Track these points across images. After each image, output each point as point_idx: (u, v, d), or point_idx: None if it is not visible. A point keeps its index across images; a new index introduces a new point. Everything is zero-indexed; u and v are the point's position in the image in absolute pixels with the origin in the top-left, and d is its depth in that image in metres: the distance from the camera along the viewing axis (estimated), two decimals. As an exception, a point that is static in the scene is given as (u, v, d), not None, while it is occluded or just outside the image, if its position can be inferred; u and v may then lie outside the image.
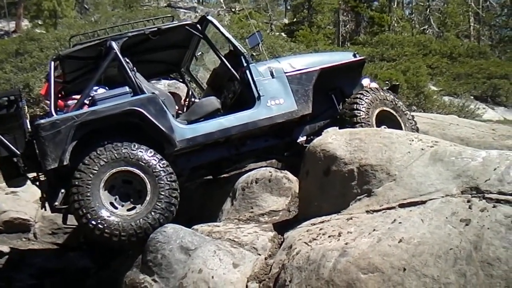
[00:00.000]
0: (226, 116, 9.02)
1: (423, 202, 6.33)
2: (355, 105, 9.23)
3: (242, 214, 8.88)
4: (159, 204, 8.01)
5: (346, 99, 9.65)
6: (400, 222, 6.16)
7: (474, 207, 5.88)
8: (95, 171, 7.97)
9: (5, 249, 11.43)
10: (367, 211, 6.75)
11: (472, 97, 31.60)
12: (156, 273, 7.33)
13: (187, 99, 10.99)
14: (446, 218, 5.92)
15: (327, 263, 6.10)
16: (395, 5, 49.18)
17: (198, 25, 9.71)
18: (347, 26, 47.60)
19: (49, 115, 8.68)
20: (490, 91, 33.96)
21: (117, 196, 8.14)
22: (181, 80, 11.32)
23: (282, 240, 7.46)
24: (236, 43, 9.56)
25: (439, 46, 39.31)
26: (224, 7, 46.16)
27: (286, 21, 56.80)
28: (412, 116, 9.83)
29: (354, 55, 10.29)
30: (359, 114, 9.13)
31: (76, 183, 7.91)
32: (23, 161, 8.61)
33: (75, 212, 7.93)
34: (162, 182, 8.10)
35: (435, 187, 6.44)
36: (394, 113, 9.46)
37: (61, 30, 29.23)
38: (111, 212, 7.92)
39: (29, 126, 8.69)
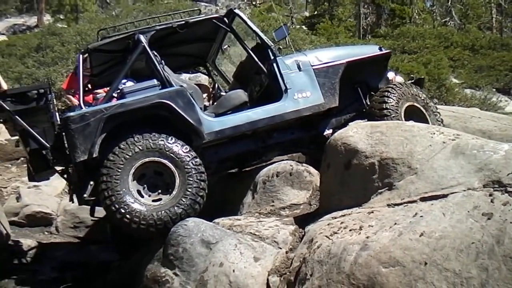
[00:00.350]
0: (254, 109, 9.06)
1: (445, 196, 6.29)
2: (385, 98, 9.26)
3: (263, 207, 8.88)
4: (184, 200, 8.04)
5: (373, 93, 9.71)
6: (421, 216, 6.14)
7: (496, 200, 5.84)
8: (128, 157, 8.04)
9: (28, 242, 11.50)
10: (388, 205, 6.73)
11: (494, 90, 31.35)
12: (177, 267, 7.35)
13: (213, 92, 11.01)
14: (468, 212, 5.88)
15: (348, 257, 6.09)
16: (416, -3, 48.90)
17: (225, 19, 9.75)
18: (368, 19, 47.34)
19: (76, 108, 8.76)
20: (512, 83, 33.76)
21: (145, 186, 8.20)
22: (206, 73, 11.31)
23: (303, 233, 7.46)
24: (263, 36, 9.57)
25: (460, 38, 39.04)
26: (245, 0, 46.05)
27: (307, 14, 56.70)
28: (439, 112, 9.79)
29: (380, 49, 10.28)
30: (389, 107, 9.16)
31: (108, 165, 7.99)
32: (52, 154, 8.71)
33: (101, 193, 7.99)
34: (191, 179, 8.14)
35: (457, 180, 6.40)
36: (421, 108, 9.44)
37: (82, 25, 29.31)
38: (136, 199, 7.97)
39: (58, 119, 8.82)
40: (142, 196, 8.08)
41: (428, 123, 9.22)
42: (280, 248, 7.31)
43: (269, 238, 7.48)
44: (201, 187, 8.20)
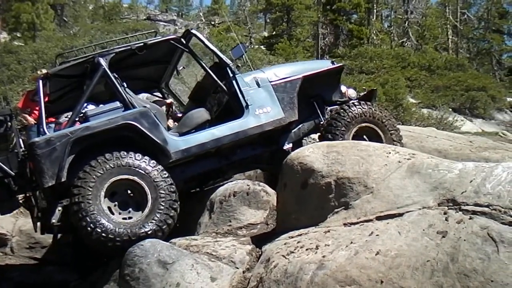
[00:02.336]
0: (218, 126, 9.11)
1: (400, 215, 6.36)
2: (334, 121, 9.43)
3: (220, 227, 8.86)
4: (158, 215, 8.09)
5: (328, 107, 9.88)
6: (377, 235, 6.18)
7: (451, 219, 5.92)
8: (100, 175, 8.03)
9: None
10: (345, 224, 6.75)
11: (450, 109, 31.84)
12: (134, 287, 7.27)
13: (171, 114, 10.98)
14: (423, 230, 5.95)
15: (305, 276, 6.09)
16: (374, 18, 49.50)
17: (182, 39, 9.80)
18: (326, 39, 47.75)
19: (32, 127, 8.68)
20: (468, 103, 34.31)
21: (116, 203, 8.19)
22: (160, 96, 11.28)
23: (260, 253, 7.43)
24: (221, 55, 9.68)
25: (417, 59, 39.64)
26: (204, 20, 46.20)
27: (265, 34, 57.07)
28: (397, 129, 9.87)
29: (332, 63, 10.58)
30: (336, 132, 9.30)
31: (79, 183, 7.96)
32: (15, 182, 8.62)
33: (74, 215, 7.95)
34: (163, 197, 8.18)
35: (412, 199, 6.46)
36: (375, 128, 9.53)
37: (39, 43, 29.10)
38: (109, 218, 7.96)
39: (22, 145, 8.74)
40: (113, 214, 8.07)
41: (382, 142, 9.29)
42: (237, 268, 7.27)
43: (226, 258, 7.43)
44: (173, 199, 8.26)
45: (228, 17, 64.15)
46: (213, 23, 59.29)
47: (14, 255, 12.19)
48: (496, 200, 5.87)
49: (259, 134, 9.29)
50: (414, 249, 5.79)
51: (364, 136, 9.42)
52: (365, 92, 10.85)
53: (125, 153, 8.25)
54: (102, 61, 9.02)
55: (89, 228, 7.83)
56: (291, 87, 9.53)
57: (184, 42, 9.82)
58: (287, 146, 9.61)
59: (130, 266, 7.39)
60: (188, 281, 6.99)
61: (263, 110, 9.24)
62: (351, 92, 10.37)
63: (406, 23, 50.33)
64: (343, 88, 10.35)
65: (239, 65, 10.06)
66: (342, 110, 9.49)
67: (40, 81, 9.12)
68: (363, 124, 9.48)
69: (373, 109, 9.64)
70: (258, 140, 9.56)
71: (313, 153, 7.60)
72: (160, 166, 8.36)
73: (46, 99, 9.37)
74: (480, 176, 6.24)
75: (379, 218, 6.50)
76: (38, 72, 13.10)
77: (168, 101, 10.96)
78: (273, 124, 9.28)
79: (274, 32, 52.83)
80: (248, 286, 6.84)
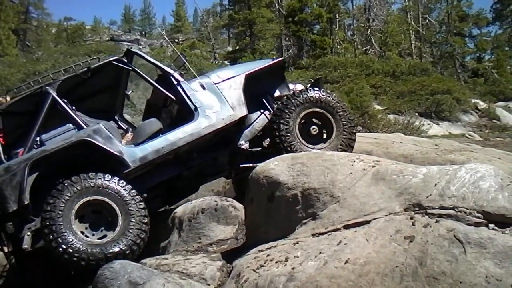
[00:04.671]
0: (171, 131, 9.18)
1: (368, 222, 6.38)
2: (279, 110, 9.50)
3: (190, 245, 8.84)
4: (131, 231, 8.13)
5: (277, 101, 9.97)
6: (345, 244, 6.19)
7: (417, 223, 5.96)
8: (68, 197, 8.07)
9: None
10: (313, 235, 6.76)
11: (416, 114, 32.08)
12: (106, 310, 7.22)
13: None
14: (391, 236, 5.97)
15: (275, 289, 6.09)
16: (337, 28, 49.88)
17: (124, 59, 9.93)
18: (290, 51, 47.97)
19: None
20: (433, 106, 34.57)
21: (87, 225, 8.21)
22: (117, 126, 11.27)
23: (230, 268, 7.41)
24: (164, 66, 9.91)
25: (381, 66, 39.96)
26: (167, 38, 46.20)
27: (229, 48, 57.19)
28: (348, 110, 9.93)
29: (272, 59, 10.75)
30: (281, 119, 9.38)
31: (49, 208, 7.98)
32: None
33: (45, 237, 7.98)
34: (132, 209, 8.24)
35: (379, 206, 6.48)
36: (325, 112, 9.59)
37: (1, 69, 28.92)
38: (81, 238, 7.98)
39: None
40: (87, 236, 8.08)
41: (333, 128, 9.49)
42: (209, 285, 7.24)
43: (197, 275, 7.40)
44: (143, 214, 8.31)
45: (191, 33, 64.31)
46: (176, 40, 59.30)
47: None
48: (461, 202, 5.94)
49: (213, 133, 9.34)
50: (382, 255, 5.81)
51: (315, 120, 9.55)
52: (311, 82, 10.98)
53: (93, 174, 8.28)
54: (50, 89, 9.16)
55: (61, 249, 7.83)
56: (235, 85, 9.68)
57: (126, 61, 9.93)
58: (244, 144, 9.74)
59: (101, 289, 7.34)
60: (159, 301, 6.95)
61: (212, 110, 9.35)
62: (299, 87, 10.53)
63: (369, 31, 50.80)
64: (291, 85, 10.52)
65: (182, 73, 10.12)
66: (286, 99, 9.57)
67: None
68: (310, 110, 9.52)
69: (319, 93, 9.68)
70: (214, 142, 9.64)
71: (278, 165, 7.61)
72: (128, 186, 8.40)
73: (2, 139, 9.39)
74: (444, 179, 6.30)
75: (346, 227, 6.51)
76: (1, 98, 13.01)
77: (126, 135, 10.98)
78: (224, 122, 9.38)
79: (237, 47, 53.09)
80: (220, 302, 6.84)
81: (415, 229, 5.91)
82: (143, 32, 77.91)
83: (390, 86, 36.45)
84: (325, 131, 9.56)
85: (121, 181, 8.40)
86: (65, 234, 7.88)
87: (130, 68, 10.03)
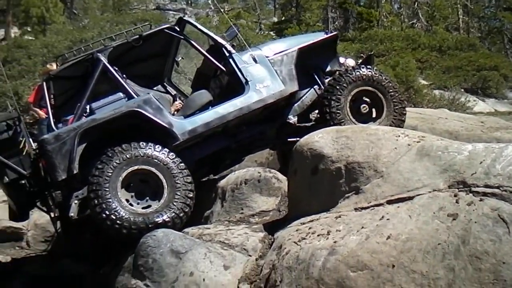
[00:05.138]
0: (221, 104, 9.21)
1: (411, 198, 6.35)
2: (330, 86, 9.52)
3: (232, 215, 8.91)
4: (175, 204, 8.20)
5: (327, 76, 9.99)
6: (388, 219, 6.18)
7: (461, 201, 5.90)
8: (117, 164, 8.18)
9: (-1, 257, 11.43)
10: (356, 209, 6.76)
11: (462, 90, 31.62)
12: (148, 278, 7.31)
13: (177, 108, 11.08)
14: (434, 213, 5.94)
15: (317, 262, 6.12)
16: (384, 0, 49.21)
17: (176, 27, 9.97)
18: (336, 23, 47.51)
19: (44, 120, 8.80)
20: (480, 83, 34.05)
21: (133, 194, 8.34)
22: (164, 91, 11.34)
23: (272, 240, 7.46)
24: (216, 37, 9.89)
25: (428, 40, 39.36)
26: (213, 8, 46.13)
27: (275, 19, 56.84)
28: (399, 91, 9.87)
29: (326, 33, 10.64)
30: (332, 96, 9.41)
31: (97, 173, 8.11)
32: (30, 182, 8.82)
33: (90, 202, 8.11)
34: (179, 182, 8.31)
35: (422, 182, 6.45)
36: (377, 92, 9.55)
37: (49, 37, 29.14)
38: (125, 206, 8.09)
39: (33, 144, 8.91)
40: (131, 205, 8.19)
41: (383, 107, 9.48)
42: (250, 256, 7.30)
43: (239, 246, 7.47)
44: (189, 189, 8.36)
45: (237, 3, 64.08)
46: (222, 10, 59.16)
47: (30, 248, 12.33)
48: (506, 181, 5.83)
49: (262, 108, 9.36)
50: (425, 232, 5.78)
51: (365, 98, 9.54)
52: (363, 59, 10.89)
53: (144, 143, 8.38)
54: (101, 56, 9.20)
55: (104, 215, 7.95)
56: (288, 60, 9.65)
57: (178, 30, 9.96)
58: (293, 119, 9.73)
59: (144, 256, 7.43)
60: (201, 270, 7.03)
61: (263, 84, 9.34)
62: (350, 62, 10.51)
63: (416, 4, 50.03)
64: (342, 59, 10.47)
65: (234, 44, 10.10)
66: (338, 75, 9.56)
67: (44, 84, 9.41)
68: (362, 88, 9.51)
69: (371, 72, 9.64)
70: (262, 116, 9.64)
71: (322, 138, 7.61)
72: (178, 158, 8.46)
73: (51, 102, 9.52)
74: (490, 157, 6.20)
75: (389, 202, 6.49)
76: (48, 66, 13.19)
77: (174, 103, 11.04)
78: (274, 97, 9.37)
79: (283, 18, 52.73)
80: (261, 273, 6.88)
81: (458, 207, 5.86)
82: (189, 2, 77.74)
83: (436, 61, 35.94)
84: (375, 110, 9.49)
85: (171, 153, 8.45)
86: (110, 200, 7.99)
87: (182, 37, 10.06)
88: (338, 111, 9.22)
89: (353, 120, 9.29)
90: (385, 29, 43.90)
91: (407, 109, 10.16)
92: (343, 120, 9.21)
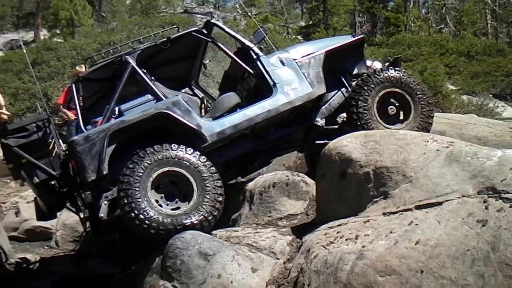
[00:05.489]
0: (249, 107, 9.24)
1: (440, 203, 6.34)
2: (358, 87, 9.46)
3: (260, 218, 8.93)
4: (204, 207, 8.20)
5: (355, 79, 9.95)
6: (416, 224, 6.18)
7: (491, 207, 5.89)
8: (148, 165, 8.22)
9: (28, 257, 11.52)
10: (384, 213, 6.76)
11: (491, 95, 31.38)
12: (176, 279, 7.35)
13: (204, 109, 11.13)
14: (463, 219, 5.93)
15: (345, 266, 6.12)
16: (411, 5, 49.03)
17: (204, 30, 10.06)
18: (363, 27, 47.40)
19: (73, 122, 8.90)
20: (509, 88, 33.73)
21: (163, 195, 8.35)
22: (192, 94, 11.41)
23: (300, 244, 7.47)
24: (244, 39, 9.99)
25: (456, 45, 39.10)
26: (240, 12, 46.22)
27: (302, 23, 56.85)
28: (427, 93, 9.81)
29: (353, 36, 10.68)
30: (359, 97, 9.34)
31: (127, 173, 8.16)
32: (60, 183, 8.98)
33: (120, 201, 8.16)
34: (209, 186, 8.32)
35: (451, 187, 6.44)
36: (403, 92, 9.51)
37: (78, 39, 29.35)
38: (154, 206, 8.12)
39: (62, 145, 9.05)
40: (161, 206, 8.22)
41: (411, 110, 9.41)
42: (278, 259, 7.32)
43: (267, 249, 7.49)
44: (219, 193, 8.37)
45: (264, 7, 64.18)
46: (250, 14, 59.28)
47: (59, 248, 12.44)
48: (536, 188, 5.84)
49: (290, 110, 9.37)
50: (454, 238, 5.77)
51: (392, 100, 9.48)
52: (390, 62, 10.87)
53: (176, 145, 8.42)
54: (130, 58, 9.31)
55: (133, 214, 7.98)
56: (315, 63, 9.67)
57: (206, 32, 10.04)
58: (320, 121, 9.73)
59: (172, 258, 7.47)
60: (229, 272, 7.05)
61: (291, 87, 9.36)
62: (377, 65, 10.49)
63: (444, 9, 49.82)
64: (369, 62, 10.46)
65: (262, 47, 10.13)
66: (366, 77, 9.52)
67: (73, 85, 9.50)
68: (390, 89, 9.45)
69: (400, 74, 9.60)
70: (290, 118, 9.66)
71: (351, 142, 7.63)
72: (208, 162, 8.48)
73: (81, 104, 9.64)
74: (520, 163, 6.20)
75: (418, 207, 6.49)
76: (77, 68, 13.32)
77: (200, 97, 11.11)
78: (302, 99, 9.38)
79: (310, 22, 52.66)
80: (289, 276, 6.89)
81: (488, 213, 5.85)
82: (217, 5, 77.93)
83: (465, 66, 35.69)
84: (402, 112, 9.48)
85: (202, 157, 8.47)
86: (140, 200, 8.02)
87: (210, 40, 10.12)
88: (365, 112, 9.19)
89: (380, 121, 9.24)
90: (412, 34, 43.73)
91: (435, 114, 10.11)
92: (369, 121, 9.18)
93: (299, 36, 44.83)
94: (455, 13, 51.03)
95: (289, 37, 41.23)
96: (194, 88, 11.33)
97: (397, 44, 37.23)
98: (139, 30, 26.58)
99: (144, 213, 7.98)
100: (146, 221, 7.96)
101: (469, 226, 5.80)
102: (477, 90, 30.98)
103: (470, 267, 5.50)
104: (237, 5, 47.88)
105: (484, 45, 41.43)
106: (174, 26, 11.06)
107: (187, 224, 8.01)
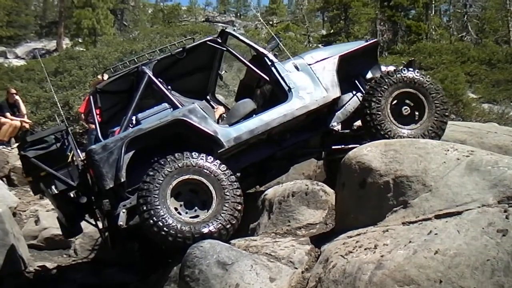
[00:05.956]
0: (265, 112, 9.26)
1: (459, 213, 6.30)
2: (371, 88, 9.42)
3: (279, 227, 8.90)
4: (222, 216, 8.20)
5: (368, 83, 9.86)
6: (436, 234, 6.13)
7: (511, 217, 5.83)
8: (168, 173, 8.23)
9: (47, 265, 11.57)
10: (403, 223, 6.72)
11: None
12: (194, 288, 7.34)
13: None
14: (483, 228, 5.88)
15: (363, 276, 6.08)
16: (432, 13, 48.96)
17: (219, 39, 10.10)
18: (385, 36, 47.30)
19: (92, 132, 9.01)
20: (530, 97, 33.54)
21: (182, 203, 8.37)
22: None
23: (319, 253, 7.43)
24: (258, 47, 9.99)
25: (477, 53, 39.01)
26: (262, 20, 46.45)
27: (323, 32, 56.92)
28: (442, 93, 9.74)
29: (366, 41, 10.65)
30: (372, 98, 9.31)
31: (148, 180, 8.19)
32: (78, 194, 9.06)
33: (139, 207, 8.18)
34: (228, 194, 8.32)
35: (471, 197, 6.40)
36: (418, 94, 9.45)
37: (99, 48, 29.57)
38: (173, 214, 8.13)
39: (80, 155, 9.13)
40: (180, 214, 8.23)
41: (425, 109, 9.35)
42: (296, 268, 7.27)
43: (285, 258, 7.45)
44: (238, 201, 8.37)
45: (286, 16, 64.35)
46: (271, 22, 59.33)
47: (77, 256, 12.46)
48: (557, 197, 5.79)
49: (306, 114, 9.37)
50: (473, 248, 5.73)
51: (407, 101, 9.43)
52: (404, 64, 10.83)
53: (196, 153, 8.43)
54: (146, 69, 9.37)
55: (151, 221, 7.99)
56: (329, 67, 9.65)
57: (221, 41, 10.08)
58: (336, 126, 9.74)
59: (190, 267, 7.43)
60: (247, 281, 7.00)
61: (306, 91, 9.37)
62: (391, 69, 10.40)
63: (465, 17, 49.73)
64: (383, 68, 10.42)
65: (277, 54, 10.15)
66: (379, 78, 9.49)
67: (91, 97, 9.64)
68: (403, 90, 9.39)
69: (413, 74, 9.53)
70: (306, 123, 9.66)
71: (371, 151, 7.59)
72: (228, 171, 8.49)
73: (99, 116, 9.69)
74: (540, 172, 6.15)
75: (437, 217, 6.45)
76: (99, 77, 13.42)
77: (217, 108, 11.14)
78: (317, 103, 9.38)
79: (332, 30, 52.76)
80: (307, 286, 6.84)
81: (508, 222, 5.81)
82: (238, 14, 78.28)
83: (486, 74, 35.59)
84: (417, 112, 9.44)
85: (222, 165, 8.48)
86: (159, 207, 8.04)
87: (225, 49, 10.16)
88: (379, 113, 9.15)
89: (394, 121, 9.19)
90: (434, 42, 43.69)
91: (455, 122, 10.06)
92: (383, 122, 9.14)
93: (320, 45, 44.79)
94: (476, 21, 50.93)
95: (310, 45, 41.26)
96: (210, 100, 11.37)
97: (418, 52, 37.15)
98: (160, 39, 26.74)
99: (163, 220, 7.98)
100: (165, 228, 7.96)
101: (489, 236, 5.76)
102: (498, 99, 30.85)
103: (489, 278, 5.46)
104: (258, 14, 47.89)
105: (506, 53, 41.26)
106: (189, 37, 11.10)
107: (205, 232, 8.00)
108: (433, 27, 47.06)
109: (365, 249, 6.54)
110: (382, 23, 47.82)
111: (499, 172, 6.47)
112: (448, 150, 7.19)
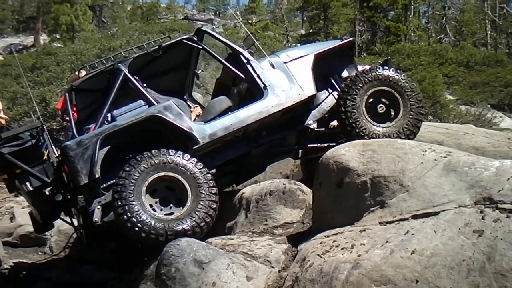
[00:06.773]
0: (240, 109, 9.30)
1: (436, 213, 6.33)
2: (347, 87, 9.45)
3: (256, 226, 8.90)
4: (197, 213, 8.18)
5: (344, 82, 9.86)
6: (413, 234, 6.16)
7: (487, 217, 5.88)
8: (144, 169, 8.25)
9: (22, 263, 11.48)
10: (380, 223, 6.74)
11: (489, 106, 31.41)
12: (170, 287, 7.29)
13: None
14: (459, 229, 5.91)
15: (340, 276, 6.09)
16: (411, 15, 49.11)
17: (195, 37, 10.10)
18: (363, 36, 47.40)
19: (69, 129, 8.98)
20: (507, 99, 33.78)
21: (157, 200, 8.37)
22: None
23: (295, 252, 7.44)
24: (234, 45, 10.02)
25: (455, 55, 39.16)
26: (238, 19, 46.38)
27: (302, 32, 56.90)
28: (417, 90, 9.78)
29: (341, 40, 10.64)
30: (348, 96, 9.34)
31: (123, 175, 8.19)
32: (53, 191, 8.99)
33: (114, 203, 8.17)
34: (203, 192, 8.32)
35: (448, 198, 6.42)
36: (392, 91, 9.49)
37: (78, 44, 29.42)
38: (147, 210, 8.13)
39: (55, 151, 9.06)
40: (155, 210, 8.22)
41: (400, 108, 9.39)
42: (273, 267, 7.28)
43: (262, 257, 7.44)
44: (213, 200, 8.36)
45: (265, 15, 64.37)
46: (250, 21, 59.28)
47: (53, 254, 12.36)
48: (533, 198, 5.82)
49: (281, 112, 9.39)
50: (450, 248, 5.76)
51: (383, 99, 9.46)
52: (380, 63, 10.87)
53: (173, 151, 8.43)
54: (122, 66, 9.36)
55: (125, 217, 8.00)
56: (305, 65, 9.69)
57: (197, 40, 10.09)
58: (312, 124, 9.77)
59: (166, 265, 7.42)
60: (224, 280, 6.99)
61: (281, 89, 9.41)
62: (367, 68, 10.45)
63: (444, 19, 50.00)
64: (360, 67, 10.43)
65: (253, 52, 10.15)
66: (355, 76, 9.53)
67: (67, 94, 9.68)
68: (378, 88, 9.42)
69: (388, 72, 9.57)
70: (282, 121, 9.66)
71: (348, 151, 7.60)
72: (205, 169, 8.50)
73: (75, 114, 9.64)
74: (517, 174, 6.18)
75: (414, 217, 6.47)
76: (77, 73, 13.33)
77: (194, 108, 11.10)
78: (293, 100, 9.42)
79: (311, 30, 52.74)
80: (284, 285, 6.85)
81: (484, 223, 5.83)
82: (217, 12, 78.11)
83: (463, 76, 35.73)
84: (392, 110, 9.46)
85: (199, 163, 8.48)
86: (133, 203, 8.04)
87: (201, 47, 10.16)
88: (354, 111, 9.17)
89: (369, 119, 9.22)
90: (412, 43, 43.79)
91: (433, 123, 10.10)
92: (358, 120, 9.16)
93: (299, 44, 44.83)
94: (455, 23, 51.16)
95: (289, 45, 41.16)
96: (187, 100, 11.33)
97: (396, 53, 37.18)
98: (139, 36, 26.64)
99: (137, 216, 7.98)
100: (138, 224, 7.95)
101: (466, 236, 5.78)
102: (476, 100, 31.01)
103: (465, 278, 5.48)
104: (237, 13, 47.88)
105: (483, 55, 41.51)
106: (166, 36, 11.06)
107: (178, 229, 8.00)
108: (412, 28, 47.17)
109: (342, 248, 6.55)
110: (361, 24, 47.88)
111: (475, 173, 6.50)
112: (425, 151, 7.22)
